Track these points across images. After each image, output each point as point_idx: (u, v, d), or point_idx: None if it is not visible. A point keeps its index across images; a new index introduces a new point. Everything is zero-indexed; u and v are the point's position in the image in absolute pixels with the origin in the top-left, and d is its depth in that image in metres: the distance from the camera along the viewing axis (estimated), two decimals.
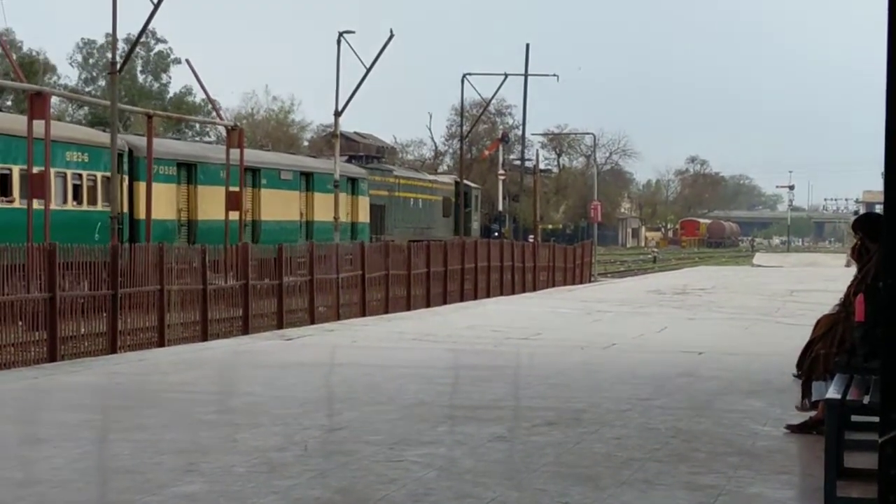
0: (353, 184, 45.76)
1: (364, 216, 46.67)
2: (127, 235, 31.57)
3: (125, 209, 32.20)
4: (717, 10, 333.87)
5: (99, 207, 30.93)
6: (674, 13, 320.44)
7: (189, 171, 35.67)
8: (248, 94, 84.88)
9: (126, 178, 32.55)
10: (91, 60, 78.66)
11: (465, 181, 63.49)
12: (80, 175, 30.88)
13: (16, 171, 28.36)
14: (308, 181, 42.10)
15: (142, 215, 32.50)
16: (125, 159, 32.54)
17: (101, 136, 32.58)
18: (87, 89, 76.22)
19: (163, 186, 34.00)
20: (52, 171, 28.59)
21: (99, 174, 31.19)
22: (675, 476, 7.86)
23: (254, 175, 38.86)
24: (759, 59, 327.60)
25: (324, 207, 42.06)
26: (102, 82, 74.59)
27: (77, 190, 30.77)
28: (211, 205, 35.79)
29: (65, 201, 30.05)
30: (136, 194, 32.98)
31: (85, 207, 30.63)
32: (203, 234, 34.41)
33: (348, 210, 44.86)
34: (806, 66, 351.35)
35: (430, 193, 56.00)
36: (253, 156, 40.16)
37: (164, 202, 33.96)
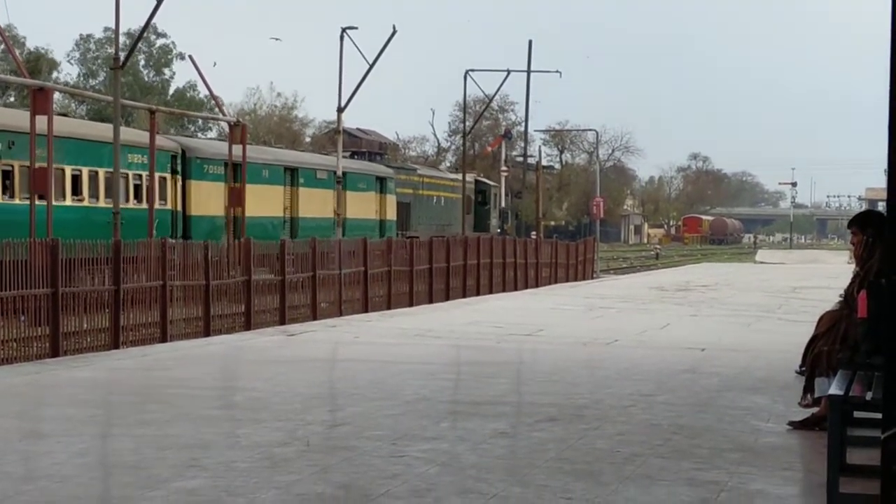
0: (381, 183, 47.77)
1: (392, 214, 48.69)
2: (180, 231, 34.04)
3: (178, 206, 35.04)
4: (720, 7, 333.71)
5: (155, 206, 32.84)
6: (677, 10, 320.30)
7: (235, 171, 37.11)
8: (252, 89, 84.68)
9: (179, 177, 35.26)
10: (89, 55, 78.54)
11: (484, 179, 64.33)
12: (140, 175, 33.21)
13: (84, 172, 31.01)
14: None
15: (194, 212, 35.56)
16: (178, 160, 35.03)
17: (157, 139, 34.30)
18: (88, 84, 76.09)
19: (212, 185, 36.72)
20: None
21: (155, 175, 33.14)
22: (677, 472, 7.86)
23: (292, 174, 41.08)
24: (762, 57, 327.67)
25: (356, 205, 44.23)
26: (102, 77, 74.48)
27: (137, 189, 33.17)
28: (253, 201, 37.39)
29: (126, 200, 32.02)
30: (189, 192, 35.63)
31: (143, 206, 32.65)
32: (248, 229, 35.45)
33: (377, 208, 47.08)
34: (809, 63, 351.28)
35: (452, 191, 57.29)
36: (291, 156, 43.78)
37: (213, 200, 36.64)
